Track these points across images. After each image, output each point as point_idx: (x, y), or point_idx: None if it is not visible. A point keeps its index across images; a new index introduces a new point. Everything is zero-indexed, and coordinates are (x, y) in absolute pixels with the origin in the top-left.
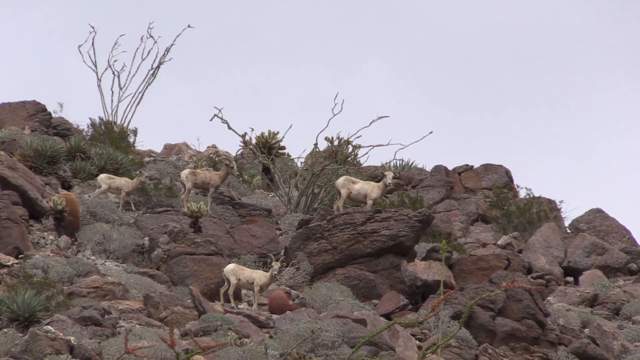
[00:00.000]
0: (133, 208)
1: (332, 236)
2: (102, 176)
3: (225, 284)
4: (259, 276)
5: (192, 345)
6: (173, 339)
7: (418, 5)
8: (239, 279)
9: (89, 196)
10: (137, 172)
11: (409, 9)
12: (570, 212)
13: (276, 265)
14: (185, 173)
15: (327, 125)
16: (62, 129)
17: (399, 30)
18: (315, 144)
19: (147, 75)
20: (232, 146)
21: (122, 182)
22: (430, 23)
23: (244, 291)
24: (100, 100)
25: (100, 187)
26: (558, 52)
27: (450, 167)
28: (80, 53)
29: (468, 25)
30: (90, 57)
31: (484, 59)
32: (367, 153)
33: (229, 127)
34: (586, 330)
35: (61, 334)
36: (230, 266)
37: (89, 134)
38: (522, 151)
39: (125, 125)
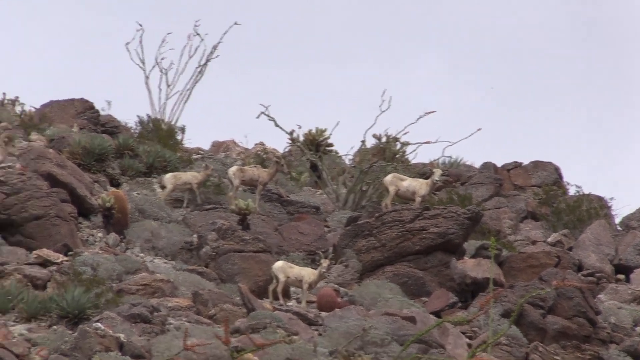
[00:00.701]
0: (185, 205)
1: (381, 233)
2: (168, 176)
3: (274, 281)
4: (307, 274)
5: (242, 342)
6: (228, 337)
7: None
8: (288, 277)
9: (138, 193)
10: (204, 166)
11: (457, 3)
12: (621, 210)
13: (325, 262)
14: (233, 170)
15: (374, 122)
16: (110, 127)
17: (447, 25)
18: (363, 141)
19: (194, 72)
20: (279, 143)
21: (189, 176)
22: (479, 17)
23: (292, 288)
24: (148, 98)
25: (166, 187)
26: (608, 48)
27: (499, 164)
28: (128, 51)
29: (516, 22)
30: (137, 55)
31: (533, 55)
32: (415, 150)
33: (276, 125)
34: (638, 328)
35: (110, 331)
36: (279, 263)
37: (137, 131)
38: (572, 148)
39: (173, 122)
